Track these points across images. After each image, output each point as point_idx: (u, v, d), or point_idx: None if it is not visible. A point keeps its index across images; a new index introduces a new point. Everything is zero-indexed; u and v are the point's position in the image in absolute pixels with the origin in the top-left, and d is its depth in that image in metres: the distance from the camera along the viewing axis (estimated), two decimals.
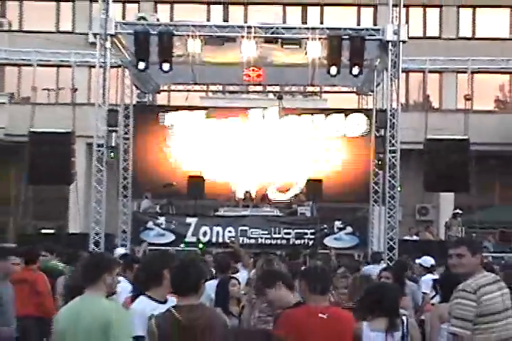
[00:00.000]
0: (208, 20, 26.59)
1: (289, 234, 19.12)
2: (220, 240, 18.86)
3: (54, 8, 28.54)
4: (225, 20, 27.09)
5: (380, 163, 19.03)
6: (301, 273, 5.93)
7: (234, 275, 8.59)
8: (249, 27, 17.63)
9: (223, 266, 9.29)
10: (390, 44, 17.45)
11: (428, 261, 11.51)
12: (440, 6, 28.35)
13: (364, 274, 8.64)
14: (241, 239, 18.68)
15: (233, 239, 18.26)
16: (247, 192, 20.81)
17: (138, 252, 16.78)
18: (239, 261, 11.13)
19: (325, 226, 19.13)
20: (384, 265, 13.80)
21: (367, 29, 18.14)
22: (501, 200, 27.18)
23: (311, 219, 19.61)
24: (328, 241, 18.88)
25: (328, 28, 17.85)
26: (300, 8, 28.58)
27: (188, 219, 19.25)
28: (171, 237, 19.14)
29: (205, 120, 22.47)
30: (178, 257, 6.63)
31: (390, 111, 17.92)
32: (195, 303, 4.93)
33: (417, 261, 11.80)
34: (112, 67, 18.27)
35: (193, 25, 17.80)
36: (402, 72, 18.63)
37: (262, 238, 19.04)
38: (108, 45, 17.60)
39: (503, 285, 5.42)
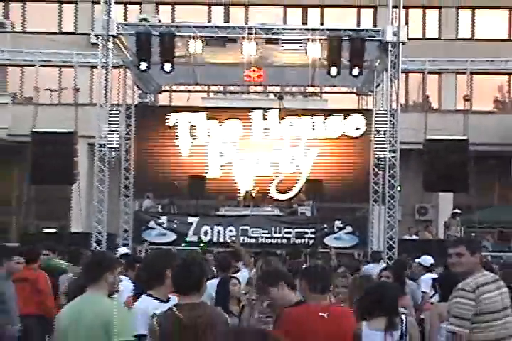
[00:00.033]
0: (209, 21, 26.68)
1: (289, 233, 19.17)
2: (221, 239, 18.92)
3: (56, 10, 28.63)
4: (226, 21, 27.11)
5: (379, 163, 19.11)
6: (301, 272, 5.94)
7: (234, 275, 8.60)
8: (250, 28, 17.69)
9: (224, 265, 9.32)
10: (389, 45, 17.47)
11: (427, 260, 11.52)
12: (439, 8, 28.38)
13: (365, 274, 8.70)
14: (242, 238, 18.74)
15: (234, 238, 18.38)
16: (247, 191, 20.82)
17: (140, 252, 16.89)
18: (240, 260, 11.14)
19: (325, 226, 19.23)
20: (383, 264, 13.88)
21: (367, 30, 18.16)
22: (500, 200, 27.14)
23: (312, 218, 19.64)
24: (328, 240, 18.92)
25: (328, 29, 17.87)
26: (300, 9, 28.57)
27: (190, 219, 19.30)
28: (173, 236, 19.20)
29: (207, 121, 22.50)
30: (179, 256, 6.66)
31: (390, 111, 17.96)
32: (196, 302, 4.94)
33: (417, 260, 11.82)
34: (113, 67, 18.30)
35: (194, 26, 17.86)
36: (402, 72, 18.65)
37: (262, 237, 19.09)
38: (110, 45, 17.66)
39: (502, 284, 5.44)
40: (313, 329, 5.28)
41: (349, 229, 19.27)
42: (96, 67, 18.84)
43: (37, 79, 21.94)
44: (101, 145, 17.79)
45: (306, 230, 19.20)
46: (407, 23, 22.54)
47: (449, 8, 28.30)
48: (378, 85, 20.74)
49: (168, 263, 5.46)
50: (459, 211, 22.29)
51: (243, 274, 9.68)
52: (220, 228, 19.15)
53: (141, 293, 5.75)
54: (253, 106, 23.23)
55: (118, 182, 20.59)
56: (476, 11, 28.51)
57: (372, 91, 21.67)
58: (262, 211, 19.90)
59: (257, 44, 17.60)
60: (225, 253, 11.80)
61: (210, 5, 28.24)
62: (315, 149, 22.28)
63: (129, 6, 27.78)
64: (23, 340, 8.29)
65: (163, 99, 26.28)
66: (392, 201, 17.58)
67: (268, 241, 19.06)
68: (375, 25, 26.25)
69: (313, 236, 19.06)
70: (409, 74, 25.27)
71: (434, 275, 10.20)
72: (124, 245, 18.57)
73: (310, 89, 24.57)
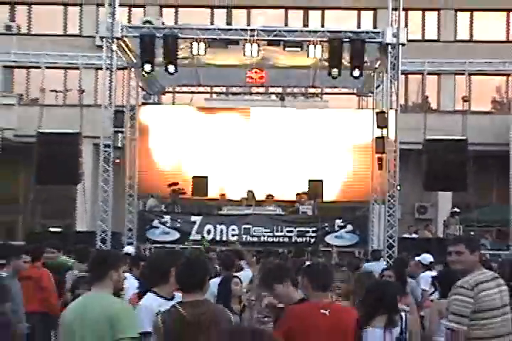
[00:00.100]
0: (212, 23, 26.73)
1: (291, 232, 19.26)
2: (224, 238, 19.03)
3: (62, 12, 28.77)
4: (229, 23, 27.07)
5: (379, 162, 19.36)
6: (303, 270, 5.95)
7: (236, 274, 8.60)
8: (252, 30, 17.73)
9: (228, 264, 9.35)
10: (389, 46, 17.53)
11: (427, 258, 11.62)
12: (438, 10, 28.44)
13: (366, 271, 8.88)
14: (244, 236, 18.94)
15: (235, 238, 18.65)
16: (249, 191, 20.90)
17: (144, 250, 17.07)
18: (243, 259, 11.28)
19: (326, 224, 19.35)
20: (383, 262, 14.10)
21: (367, 32, 18.28)
22: (498, 199, 27.01)
23: (313, 217, 19.75)
24: (329, 239, 19.02)
25: (329, 31, 17.95)
26: (302, 11, 28.65)
27: (193, 218, 19.41)
28: (176, 235, 19.29)
29: (207, 121, 22.67)
30: (183, 254, 6.58)
31: (390, 112, 18.20)
32: (200, 299, 4.98)
33: (417, 258, 11.84)
34: (118, 69, 18.34)
35: (197, 29, 17.97)
36: (402, 74, 18.65)
37: (264, 236, 19.18)
38: (114, 47, 17.75)
39: (502, 282, 5.50)
40: (316, 324, 5.33)
41: (350, 227, 19.34)
42: (101, 68, 18.86)
43: (43, 80, 22.00)
44: (106, 146, 17.87)
45: (308, 229, 19.28)
46: (406, 25, 22.65)
47: (447, 11, 28.38)
48: (378, 86, 20.81)
49: (173, 262, 5.47)
50: (457, 210, 22.41)
51: (246, 273, 9.78)
52: (223, 227, 19.24)
53: (146, 290, 5.79)
54: (255, 106, 23.43)
55: (122, 182, 20.65)
56: (475, 13, 28.55)
57: (372, 92, 21.73)
58: (264, 210, 19.96)
59: (258, 46, 17.64)
60: (228, 251, 11.83)
61: (212, 7, 28.28)
62: (315, 149, 22.35)
63: (134, 9, 27.88)
64: (28, 337, 8.34)
65: (166, 100, 26.53)
66: (392, 200, 17.58)
67: (270, 239, 19.12)
68: (375, 27, 26.45)
69: (314, 234, 19.12)
70: (409, 76, 25.32)
71: (434, 273, 10.23)
72: (129, 244, 18.58)
73: (311, 90, 24.58)
